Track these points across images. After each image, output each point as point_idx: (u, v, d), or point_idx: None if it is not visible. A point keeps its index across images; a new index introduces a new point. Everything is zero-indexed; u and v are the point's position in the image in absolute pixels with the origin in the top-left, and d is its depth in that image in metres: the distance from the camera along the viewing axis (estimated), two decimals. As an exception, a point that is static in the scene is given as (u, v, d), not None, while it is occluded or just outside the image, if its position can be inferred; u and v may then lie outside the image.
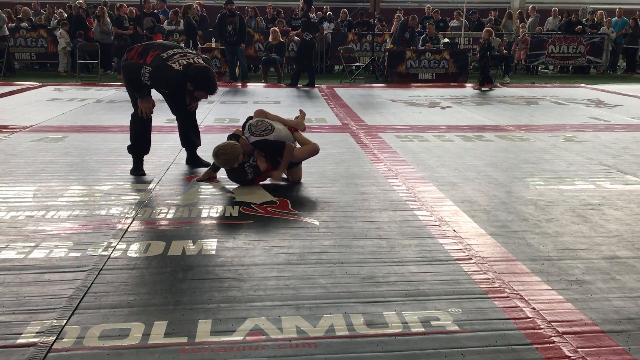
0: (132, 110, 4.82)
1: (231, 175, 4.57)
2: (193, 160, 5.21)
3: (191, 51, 4.69)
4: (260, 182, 4.58)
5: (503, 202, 4.22)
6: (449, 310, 2.58)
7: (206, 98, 4.79)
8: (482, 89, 12.29)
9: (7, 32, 14.15)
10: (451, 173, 5.03)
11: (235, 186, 4.53)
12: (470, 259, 3.17)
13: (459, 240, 3.44)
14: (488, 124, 7.69)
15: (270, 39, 13.38)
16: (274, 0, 19.87)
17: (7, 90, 10.68)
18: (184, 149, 5.30)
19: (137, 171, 4.84)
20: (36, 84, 11.92)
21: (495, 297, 2.72)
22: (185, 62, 4.41)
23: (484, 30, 13.26)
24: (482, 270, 3.02)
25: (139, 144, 4.85)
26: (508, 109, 9.30)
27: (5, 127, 6.90)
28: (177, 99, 4.92)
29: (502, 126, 7.53)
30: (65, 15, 15.34)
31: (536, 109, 9.26)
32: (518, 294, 2.76)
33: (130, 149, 4.88)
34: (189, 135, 5.16)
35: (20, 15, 15.90)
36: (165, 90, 4.77)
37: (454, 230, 3.60)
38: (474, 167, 5.27)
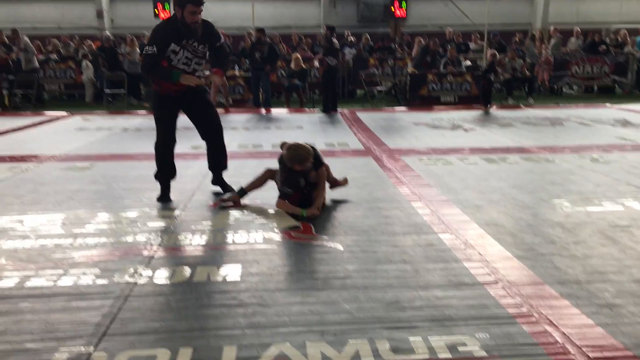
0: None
1: (284, 177, 4.54)
2: (218, 182, 5.23)
3: None
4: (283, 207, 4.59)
5: (529, 225, 4.17)
6: (476, 335, 2.54)
7: (199, 11, 4.59)
8: (486, 110, 12.30)
9: (37, 64, 14.56)
10: (475, 196, 4.99)
11: (259, 212, 4.56)
12: (497, 282, 3.13)
13: (485, 263, 3.40)
14: (512, 146, 7.63)
15: (292, 66, 13.53)
16: (298, 28, 20.17)
17: (37, 121, 10.96)
18: (210, 172, 5.33)
19: (164, 198, 4.90)
20: (65, 113, 12.21)
21: (523, 322, 2.67)
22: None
23: (489, 53, 13.29)
24: (509, 294, 2.97)
25: (164, 170, 4.93)
26: (532, 130, 9.23)
27: (35, 156, 7.06)
28: (198, 114, 4.96)
29: (526, 148, 7.46)
30: (94, 47, 15.74)
31: (561, 130, 9.17)
32: (547, 318, 2.71)
33: (156, 175, 4.96)
34: (216, 159, 5.19)
35: (49, 48, 16.36)
36: (168, 42, 4.64)
37: (480, 254, 3.56)
38: (498, 189, 5.22)
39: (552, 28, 17.95)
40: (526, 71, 14.60)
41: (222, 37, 5.07)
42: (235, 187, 4.97)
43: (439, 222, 4.21)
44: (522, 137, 8.46)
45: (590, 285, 3.09)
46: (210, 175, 5.31)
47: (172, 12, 4.71)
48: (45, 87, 15.47)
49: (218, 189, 5.22)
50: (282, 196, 4.55)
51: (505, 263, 3.41)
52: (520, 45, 16.87)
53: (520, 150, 7.32)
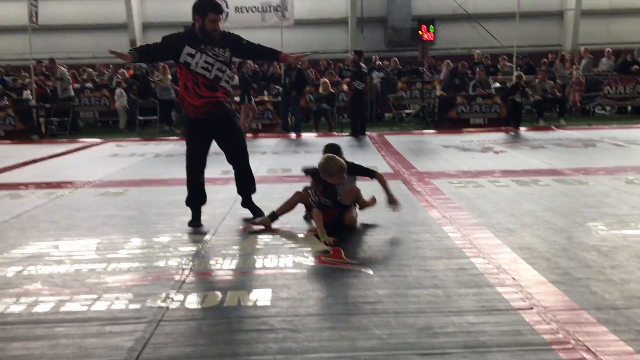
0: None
1: (322, 188, 4.59)
2: (247, 205, 5.26)
3: None
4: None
5: (564, 249, 4.08)
6: (511, 362, 2.49)
7: (219, 19, 4.71)
8: (509, 130, 12.23)
9: (72, 93, 14.98)
10: (508, 219, 4.92)
11: (289, 236, 4.57)
12: (532, 308, 3.06)
13: (518, 288, 3.34)
14: (544, 168, 7.53)
15: (320, 90, 13.65)
16: (326, 53, 20.39)
17: (72, 148, 11.24)
18: (240, 196, 5.35)
19: (195, 223, 4.95)
20: (99, 140, 12.50)
21: (559, 349, 2.61)
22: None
23: (515, 75, 13.26)
24: (544, 320, 2.91)
25: (194, 194, 4.99)
26: (565, 152, 9.09)
27: (71, 182, 7.23)
28: (226, 139, 5.00)
29: (559, 170, 7.35)
30: (127, 75, 16.16)
31: (594, 152, 9.02)
32: (584, 345, 2.64)
33: (187, 201, 5.02)
34: (244, 182, 5.22)
35: (84, 76, 16.85)
36: (182, 44, 4.71)
37: (513, 278, 3.49)
38: (531, 212, 5.14)
39: (582, 49, 17.78)
40: (557, 92, 14.45)
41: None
42: (266, 212, 4.99)
43: (471, 246, 4.16)
44: (554, 158, 8.34)
45: (628, 310, 3.00)
46: (240, 199, 5.35)
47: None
48: (80, 115, 15.90)
49: (248, 213, 5.25)
50: (319, 206, 4.57)
51: (540, 288, 3.34)
52: (550, 67, 16.74)
53: (553, 172, 7.21)
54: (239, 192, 5.30)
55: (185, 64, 4.69)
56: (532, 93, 14.95)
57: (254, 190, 5.29)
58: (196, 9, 4.68)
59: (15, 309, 3.20)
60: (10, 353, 2.69)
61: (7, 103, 14.10)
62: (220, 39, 4.77)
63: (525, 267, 3.71)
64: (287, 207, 4.86)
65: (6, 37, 21.97)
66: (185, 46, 4.67)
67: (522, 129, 13.11)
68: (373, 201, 5.15)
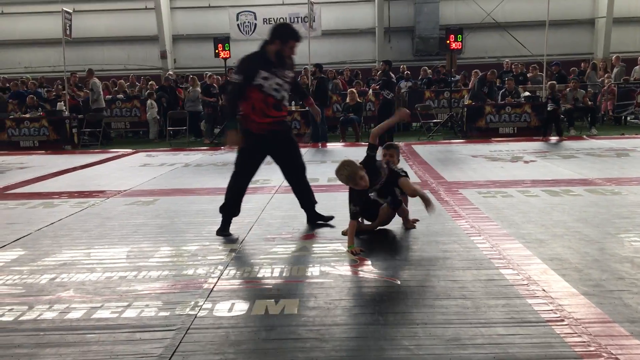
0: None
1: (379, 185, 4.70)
2: (314, 218, 5.24)
3: None
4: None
5: (596, 260, 4.01)
6: (542, 375, 2.45)
7: (295, 46, 4.84)
8: (547, 139, 12.13)
9: (104, 104, 15.27)
10: (538, 229, 4.85)
11: (316, 246, 4.58)
12: (563, 320, 3.01)
13: (549, 300, 3.28)
14: (576, 178, 7.40)
15: (348, 100, 13.68)
16: (353, 63, 20.45)
17: (104, 158, 11.46)
18: (304, 211, 5.31)
19: (223, 232, 5.00)
20: (130, 150, 12.72)
21: (591, 362, 2.56)
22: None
23: (548, 84, 13.17)
24: (576, 333, 2.85)
25: (231, 205, 5.03)
26: (596, 161, 8.93)
27: (102, 192, 7.37)
28: (284, 155, 5.07)
29: (591, 180, 7.22)
30: (156, 86, 16.43)
31: (627, 161, 8.84)
32: (616, 358, 2.58)
33: (222, 208, 5.05)
34: (306, 197, 5.22)
35: (116, 88, 17.19)
36: (257, 69, 4.74)
37: (544, 290, 3.44)
38: (562, 223, 5.06)
39: (614, 57, 17.49)
40: (588, 101, 14.22)
41: None
42: (290, 222, 5.01)
43: (500, 257, 4.11)
44: (586, 168, 8.20)
45: (664, 324, 2.93)
46: (267, 210, 5.37)
47: (260, 46, 4.87)
48: (111, 125, 16.22)
49: (275, 222, 5.28)
50: (353, 217, 4.54)
51: (571, 300, 3.29)
52: (581, 75, 16.50)
53: (584, 182, 7.09)
54: (303, 207, 5.28)
55: (258, 86, 4.75)
56: (563, 102, 14.76)
57: (316, 201, 5.28)
58: (278, 34, 4.75)
59: (49, 315, 3.27)
60: (43, 359, 2.75)
61: (42, 114, 14.46)
62: (287, 62, 4.92)
63: (556, 278, 3.65)
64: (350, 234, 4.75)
65: (41, 49, 22.59)
66: (259, 70, 4.75)
67: (553, 138, 12.94)
68: (413, 223, 5.06)
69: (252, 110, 4.81)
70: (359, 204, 4.55)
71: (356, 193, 4.54)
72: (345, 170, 4.45)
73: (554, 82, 13.46)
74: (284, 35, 4.77)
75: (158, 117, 15.35)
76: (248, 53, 4.90)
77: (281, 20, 20.68)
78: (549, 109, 12.77)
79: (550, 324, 2.97)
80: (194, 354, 2.75)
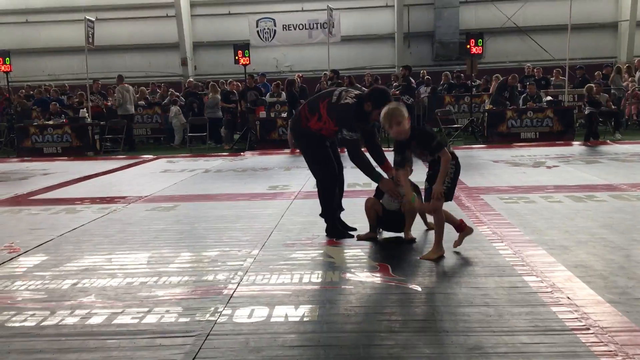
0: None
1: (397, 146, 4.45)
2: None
3: (345, 88, 4.90)
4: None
5: (622, 267, 3.92)
6: (567, 385, 2.39)
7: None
8: (588, 143, 11.95)
9: (132, 110, 15.34)
10: (562, 236, 4.76)
11: (336, 252, 4.56)
12: (588, 329, 2.94)
13: (574, 308, 3.22)
14: (600, 183, 7.28)
15: (367, 106, 13.65)
16: (372, 69, 20.42)
17: (125, 164, 11.58)
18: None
19: (337, 232, 4.97)
20: (151, 157, 12.83)
21: (619, 372, 2.50)
22: (353, 95, 4.72)
23: (585, 87, 13.01)
24: (602, 342, 2.79)
25: (332, 207, 5.02)
26: (621, 166, 8.78)
27: (124, 197, 7.43)
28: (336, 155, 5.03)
29: (615, 185, 7.09)
30: (177, 94, 16.58)
31: (653, 166, 8.67)
32: (646, 369, 2.51)
33: (329, 214, 5.03)
34: (339, 198, 5.19)
35: (137, 95, 17.36)
36: (357, 125, 4.75)
37: (568, 298, 3.37)
38: (586, 229, 4.97)
39: (637, 60, 17.22)
40: (612, 105, 14.00)
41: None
42: (311, 227, 4.99)
43: (523, 264, 4.04)
44: (610, 173, 8.06)
45: (694, 333, 2.85)
46: (287, 215, 5.36)
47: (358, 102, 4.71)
48: (133, 132, 16.36)
49: (294, 227, 5.27)
50: (399, 165, 4.45)
51: (597, 308, 3.21)
52: (604, 79, 16.27)
53: (609, 187, 6.97)
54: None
55: (341, 132, 4.77)
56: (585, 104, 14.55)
57: (342, 209, 5.26)
58: (373, 99, 4.63)
59: (70, 320, 3.29)
60: (64, 364, 2.76)
61: (64, 121, 14.66)
62: None
63: (581, 286, 3.57)
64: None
65: (64, 57, 22.94)
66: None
67: (576, 143, 12.76)
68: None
69: (317, 130, 4.83)
70: (402, 152, 4.38)
71: (399, 144, 4.41)
72: (389, 109, 4.27)
73: (591, 85, 13.25)
74: (377, 102, 4.58)
75: (185, 122, 15.38)
76: (347, 111, 4.68)
77: (300, 26, 20.78)
78: (586, 112, 12.61)
79: (575, 332, 2.91)
80: (213, 361, 2.74)
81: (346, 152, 4.88)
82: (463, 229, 4.48)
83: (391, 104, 4.37)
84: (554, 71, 16.80)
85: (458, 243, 4.42)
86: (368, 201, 4.91)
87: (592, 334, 2.88)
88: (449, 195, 4.35)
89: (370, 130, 4.98)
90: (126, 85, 15.19)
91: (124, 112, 14.98)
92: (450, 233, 4.42)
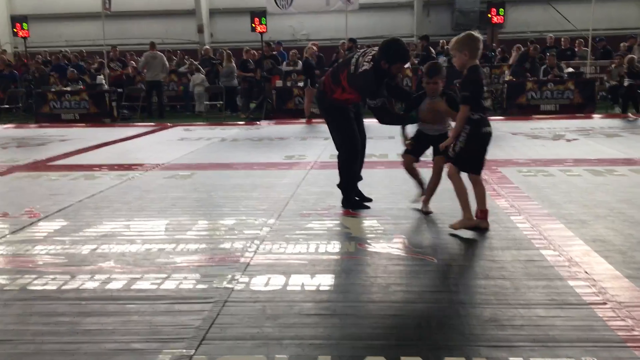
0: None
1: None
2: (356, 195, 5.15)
3: (363, 51, 4.81)
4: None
5: (641, 242, 3.89)
6: (583, 359, 2.40)
7: (403, 67, 4.79)
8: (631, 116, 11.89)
9: (161, 78, 15.05)
10: (580, 210, 4.72)
11: (353, 223, 4.56)
12: (605, 303, 2.93)
13: (591, 282, 3.20)
14: (620, 157, 7.18)
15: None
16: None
17: (143, 131, 11.62)
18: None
19: (353, 203, 4.97)
20: (168, 124, 12.86)
21: (635, 347, 2.49)
22: (369, 58, 4.61)
23: (625, 59, 12.69)
24: (619, 316, 2.78)
25: (354, 177, 5.01)
26: (642, 140, 8.64)
27: (141, 165, 7.48)
28: (359, 124, 4.97)
29: (636, 159, 6.99)
30: (196, 62, 16.45)
31: (675, 140, 8.51)
32: (663, 344, 2.50)
33: (348, 185, 5.01)
34: (359, 168, 5.14)
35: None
36: (379, 89, 4.69)
37: (586, 272, 3.35)
38: (605, 203, 4.92)
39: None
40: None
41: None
42: (328, 198, 4.98)
43: (541, 237, 4.02)
44: (631, 147, 7.93)
45: None
46: (303, 185, 5.36)
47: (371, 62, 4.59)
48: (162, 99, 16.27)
49: (311, 197, 5.28)
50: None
51: (614, 283, 3.20)
52: (628, 51, 15.88)
53: (629, 161, 6.87)
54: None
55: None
56: (607, 78, 14.27)
57: (360, 178, 5.19)
58: (386, 55, 4.55)
59: (90, 285, 3.35)
60: (85, 327, 2.82)
61: (82, 87, 14.70)
62: None
63: (599, 260, 3.55)
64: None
65: (81, 23, 22.89)
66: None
67: (596, 116, 12.56)
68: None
69: (339, 96, 4.78)
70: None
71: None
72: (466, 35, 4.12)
73: (633, 56, 12.95)
74: (390, 58, 4.54)
75: (205, 89, 15.24)
76: (367, 78, 4.59)
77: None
78: (625, 84, 12.36)
79: (592, 306, 2.90)
80: (231, 327, 2.78)
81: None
82: (475, 218, 4.21)
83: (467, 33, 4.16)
84: (577, 42, 16.43)
85: (456, 226, 4.17)
86: (405, 162, 4.88)
87: (609, 308, 2.87)
88: (461, 163, 4.14)
89: (394, 85, 4.90)
90: (156, 52, 15.07)
91: (152, 77, 14.85)
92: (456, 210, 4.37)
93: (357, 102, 4.90)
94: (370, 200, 5.06)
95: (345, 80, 4.70)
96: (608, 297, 3.00)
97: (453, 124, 4.41)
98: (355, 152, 4.91)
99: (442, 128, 4.71)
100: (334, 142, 5.02)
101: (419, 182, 4.91)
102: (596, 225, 4.28)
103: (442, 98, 4.63)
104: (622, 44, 16.32)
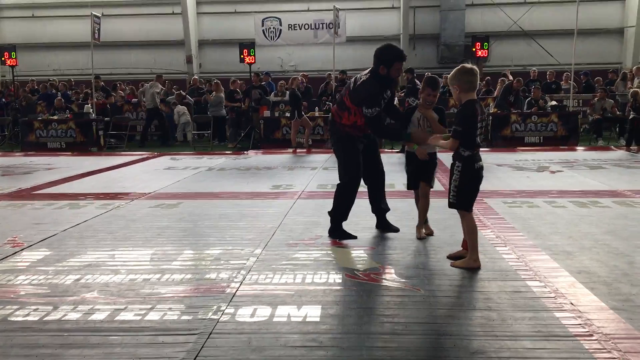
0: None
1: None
2: (383, 226, 5.19)
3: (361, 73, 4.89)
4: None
5: (625, 274, 3.91)
6: (570, 391, 2.39)
7: (402, 67, 4.82)
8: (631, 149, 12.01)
9: (154, 106, 15.25)
10: (565, 241, 4.76)
11: (339, 253, 4.55)
12: (592, 335, 2.94)
13: (577, 314, 3.21)
14: (604, 189, 7.26)
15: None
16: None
17: (129, 160, 11.58)
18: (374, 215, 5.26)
19: (342, 234, 4.94)
20: (154, 153, 12.83)
21: (622, 379, 2.49)
22: (366, 72, 4.78)
23: (630, 92, 12.89)
24: (605, 349, 2.78)
25: (340, 212, 4.99)
26: (625, 172, 8.76)
27: (127, 194, 7.43)
28: (371, 156, 5.00)
29: (619, 191, 7.08)
30: (184, 93, 16.56)
31: (657, 173, 8.64)
32: (649, 376, 2.51)
33: (342, 214, 4.99)
34: (379, 201, 5.16)
35: (142, 90, 17.35)
36: (382, 99, 4.77)
37: (572, 304, 3.36)
38: (590, 235, 4.96)
39: (635, 68, 17.18)
40: (617, 111, 13.97)
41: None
42: (316, 228, 4.99)
43: (527, 268, 4.04)
44: (614, 180, 8.04)
45: (697, 342, 2.84)
46: (290, 215, 5.35)
47: (375, 70, 4.73)
48: (136, 129, 16.37)
49: (298, 228, 5.26)
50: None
51: (600, 314, 3.21)
52: (609, 85, 16.23)
53: (613, 193, 6.95)
54: (375, 211, 5.20)
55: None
56: (590, 112, 14.53)
57: (388, 208, 5.23)
58: (382, 60, 4.67)
59: (73, 316, 3.30)
60: None
61: (69, 116, 14.67)
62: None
63: (585, 292, 3.57)
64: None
65: (70, 52, 22.94)
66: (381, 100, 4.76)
67: (580, 148, 12.74)
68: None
69: (351, 124, 4.81)
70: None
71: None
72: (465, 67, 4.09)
73: (637, 89, 13.14)
74: (386, 60, 4.67)
75: (189, 121, 15.43)
76: (366, 85, 4.72)
77: (306, 26, 20.75)
78: (630, 117, 12.52)
79: (578, 338, 2.90)
80: (216, 359, 2.74)
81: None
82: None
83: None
84: (564, 75, 16.74)
85: (459, 265, 4.10)
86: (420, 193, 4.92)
87: (595, 340, 2.88)
88: (464, 202, 4.11)
89: (390, 98, 4.93)
90: (155, 82, 15.44)
91: (150, 106, 15.17)
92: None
93: (366, 129, 4.85)
94: (397, 230, 5.06)
95: (348, 100, 4.77)
96: (594, 329, 3.01)
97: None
98: (354, 184, 4.91)
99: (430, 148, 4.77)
100: (338, 172, 5.02)
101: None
102: (581, 257, 4.30)
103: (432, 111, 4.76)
104: (596, 78, 16.61)
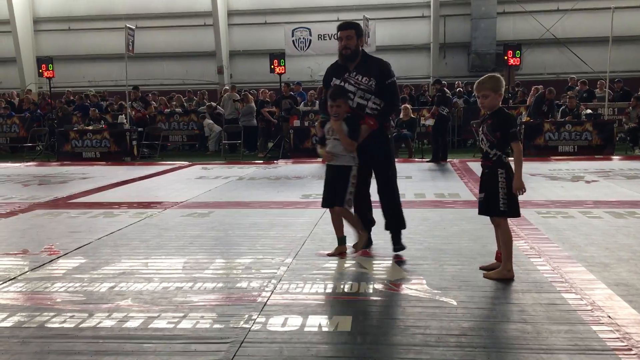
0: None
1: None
2: (396, 244, 4.85)
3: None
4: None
5: (665, 287, 3.80)
6: (609, 407, 2.33)
7: (344, 36, 4.71)
8: None
9: (230, 116, 15.79)
10: (602, 252, 4.65)
11: (369, 263, 4.53)
12: (631, 349, 2.86)
13: (615, 327, 3.13)
14: (641, 199, 7.09)
15: (402, 116, 13.60)
16: (408, 78, 20.37)
17: (162, 170, 11.76)
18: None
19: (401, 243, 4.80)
20: (186, 163, 13.00)
21: (663, 396, 2.41)
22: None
23: None
24: (645, 364, 2.71)
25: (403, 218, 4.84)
26: (663, 182, 8.53)
27: (160, 203, 7.53)
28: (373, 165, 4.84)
29: (657, 201, 6.90)
30: (214, 104, 16.81)
31: (697, 183, 8.40)
32: (692, 393, 2.43)
33: (394, 224, 4.83)
34: (387, 217, 4.86)
35: (174, 102, 17.63)
36: (332, 77, 4.81)
37: (609, 317, 3.28)
38: (627, 246, 4.84)
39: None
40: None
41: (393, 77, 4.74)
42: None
43: (562, 280, 3.96)
44: (652, 189, 7.84)
45: None
46: (320, 224, 5.35)
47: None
48: (169, 139, 16.64)
49: (327, 237, 5.26)
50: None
51: (639, 328, 3.12)
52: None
53: (651, 204, 6.78)
54: (386, 228, 4.85)
55: None
56: (626, 120, 14.23)
57: (401, 226, 4.82)
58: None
59: (107, 323, 3.35)
60: (102, 366, 2.81)
61: (104, 126, 14.98)
62: (366, 67, 4.67)
63: (622, 304, 3.48)
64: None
65: (104, 64, 23.48)
66: (332, 78, 4.77)
67: (616, 157, 12.47)
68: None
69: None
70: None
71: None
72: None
73: None
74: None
75: (218, 132, 15.70)
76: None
77: (335, 36, 20.82)
78: None
79: (617, 352, 2.83)
80: (247, 368, 2.75)
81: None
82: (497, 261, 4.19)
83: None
84: (599, 82, 16.45)
85: (492, 277, 4.03)
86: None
87: (634, 355, 2.80)
88: (514, 209, 4.10)
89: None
90: (233, 93, 16.27)
91: (231, 117, 15.88)
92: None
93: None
94: (403, 248, 4.84)
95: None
96: (633, 343, 2.93)
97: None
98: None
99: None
100: (377, 175, 4.85)
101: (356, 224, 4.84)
102: (619, 269, 4.20)
103: (343, 122, 4.58)
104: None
